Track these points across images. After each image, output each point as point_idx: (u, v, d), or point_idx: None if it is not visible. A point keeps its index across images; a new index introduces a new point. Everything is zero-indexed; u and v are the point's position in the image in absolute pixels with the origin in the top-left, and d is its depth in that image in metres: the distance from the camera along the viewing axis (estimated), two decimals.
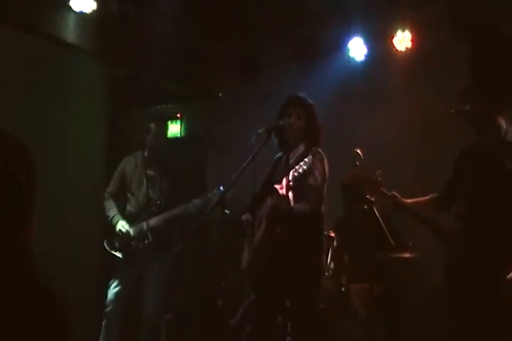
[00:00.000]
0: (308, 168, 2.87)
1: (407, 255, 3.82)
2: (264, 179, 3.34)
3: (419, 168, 4.68)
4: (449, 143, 3.94)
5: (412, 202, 3.20)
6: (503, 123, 2.95)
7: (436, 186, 3.30)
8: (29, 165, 1.11)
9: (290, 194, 2.92)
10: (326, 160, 3.18)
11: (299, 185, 2.94)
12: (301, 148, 3.25)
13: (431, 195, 3.24)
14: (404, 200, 3.17)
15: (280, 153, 3.40)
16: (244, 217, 3.31)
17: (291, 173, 2.90)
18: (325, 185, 3.16)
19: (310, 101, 3.32)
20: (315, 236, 3.17)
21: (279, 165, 3.34)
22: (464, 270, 2.83)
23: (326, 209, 3.22)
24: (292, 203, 2.95)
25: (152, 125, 4.35)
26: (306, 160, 2.89)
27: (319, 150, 3.20)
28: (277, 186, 2.95)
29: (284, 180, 2.94)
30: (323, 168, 3.13)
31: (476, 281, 2.74)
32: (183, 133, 6.21)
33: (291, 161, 3.22)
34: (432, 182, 3.47)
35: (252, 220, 3.25)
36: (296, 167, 2.90)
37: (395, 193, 3.17)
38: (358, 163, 3.09)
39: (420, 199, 3.26)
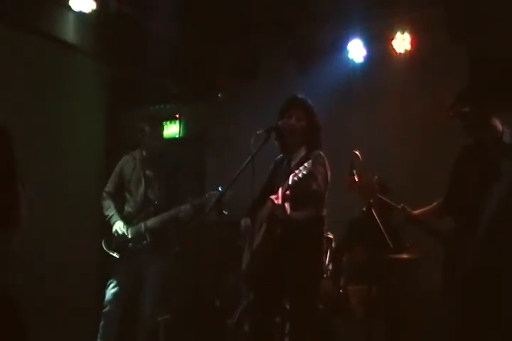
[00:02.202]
0: (309, 172, 2.81)
1: (405, 256, 3.82)
2: (264, 180, 3.32)
3: (417, 168, 4.69)
4: (447, 143, 3.95)
5: (421, 213, 3.21)
6: (499, 124, 2.97)
7: (434, 186, 3.30)
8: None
9: (286, 204, 2.88)
10: (327, 163, 3.13)
11: (298, 190, 2.89)
12: (303, 151, 3.20)
13: (436, 202, 3.25)
14: (413, 213, 3.20)
15: (281, 155, 3.36)
16: (243, 222, 3.28)
17: (290, 177, 2.86)
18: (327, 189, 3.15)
19: (310, 102, 3.29)
20: (315, 238, 3.14)
21: (280, 167, 3.30)
22: (463, 271, 2.83)
23: (326, 211, 3.22)
24: (289, 211, 2.91)
25: (147, 128, 4.34)
26: (305, 164, 2.83)
27: (321, 153, 3.15)
28: (273, 197, 2.93)
29: (280, 190, 2.92)
30: (326, 173, 3.09)
31: (475, 282, 2.75)
32: (182, 134, 6.21)
33: (292, 164, 3.18)
34: (430, 183, 3.49)
35: (251, 226, 3.23)
36: (296, 171, 2.85)
37: (404, 206, 3.19)
38: (355, 171, 3.09)
39: (427, 208, 3.27)
